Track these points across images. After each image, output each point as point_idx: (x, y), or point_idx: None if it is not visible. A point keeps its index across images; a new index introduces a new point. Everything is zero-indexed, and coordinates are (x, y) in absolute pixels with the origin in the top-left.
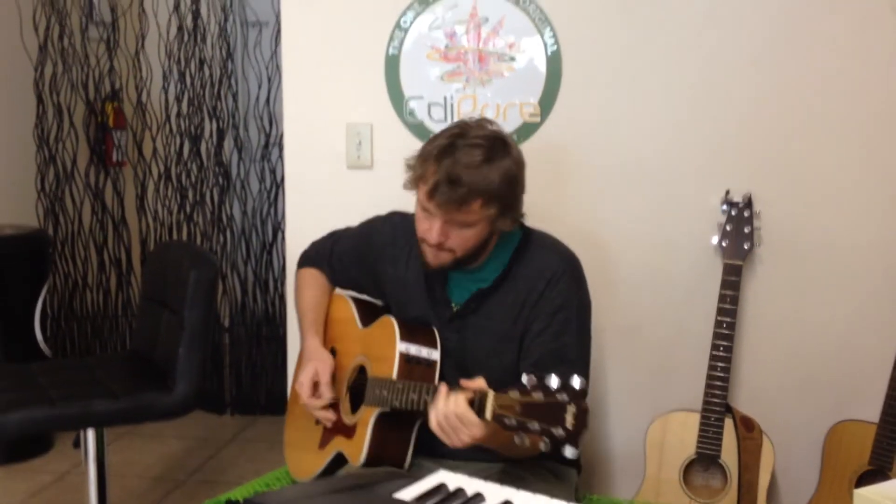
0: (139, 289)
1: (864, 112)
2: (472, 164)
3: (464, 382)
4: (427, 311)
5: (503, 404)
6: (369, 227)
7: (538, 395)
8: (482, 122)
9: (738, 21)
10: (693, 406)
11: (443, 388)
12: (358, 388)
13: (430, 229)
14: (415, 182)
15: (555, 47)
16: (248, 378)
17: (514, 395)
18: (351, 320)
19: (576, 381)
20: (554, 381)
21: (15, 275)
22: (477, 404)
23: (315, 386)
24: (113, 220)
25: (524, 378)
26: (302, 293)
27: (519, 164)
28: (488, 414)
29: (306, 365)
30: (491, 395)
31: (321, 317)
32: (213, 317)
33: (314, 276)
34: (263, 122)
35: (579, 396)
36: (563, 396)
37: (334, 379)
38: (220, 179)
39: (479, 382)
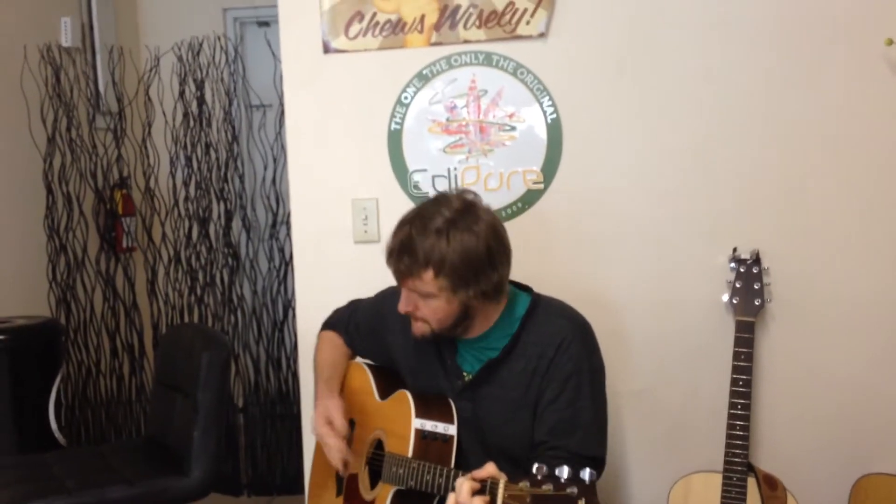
0: (152, 373)
1: (868, 164)
2: (426, 234)
3: (471, 475)
4: (440, 380)
5: (514, 494)
6: (380, 298)
7: (548, 487)
8: (461, 194)
9: (736, 78)
10: (714, 467)
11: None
12: (376, 462)
13: (400, 299)
14: None
15: (554, 115)
16: (263, 458)
17: (524, 486)
18: (369, 391)
19: (586, 474)
20: (565, 472)
21: (28, 365)
22: (488, 493)
23: (330, 424)
24: (124, 306)
25: (534, 467)
26: (319, 353)
27: (486, 239)
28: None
29: (318, 409)
30: (502, 484)
31: (337, 375)
32: (226, 398)
33: (332, 338)
34: (270, 202)
35: (590, 490)
36: (573, 490)
37: (353, 452)
38: (230, 260)
39: (490, 469)
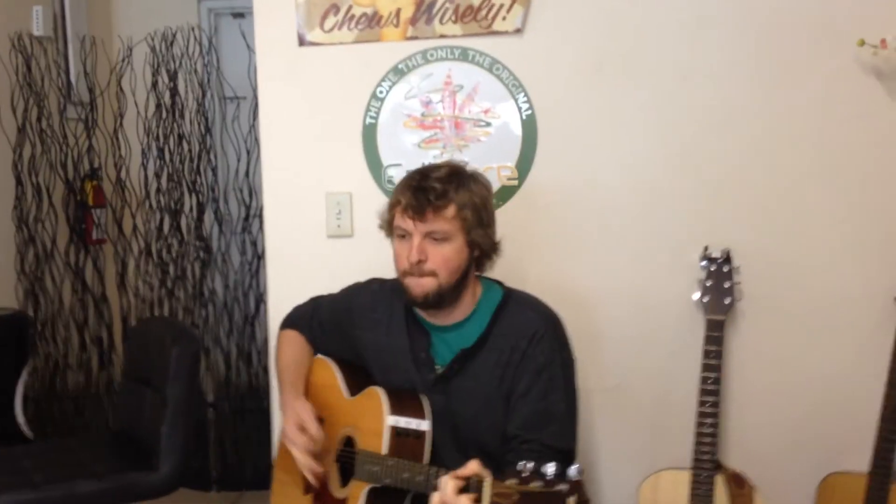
0: (121, 367)
1: (839, 164)
2: (441, 177)
3: (455, 473)
4: (412, 374)
5: (500, 492)
6: (349, 294)
7: (536, 485)
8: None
9: (710, 78)
10: (683, 464)
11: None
12: (346, 459)
13: (409, 250)
14: (389, 215)
15: (529, 111)
16: (233, 453)
17: (511, 483)
18: (335, 387)
19: (573, 471)
20: (550, 469)
21: None
22: (473, 490)
23: (302, 431)
24: (94, 298)
25: (519, 465)
26: (281, 353)
27: (487, 189)
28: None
29: (288, 413)
30: (488, 482)
31: (301, 375)
32: (196, 393)
33: (294, 337)
34: (243, 195)
35: (579, 486)
36: (563, 487)
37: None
38: (201, 253)
39: (474, 467)
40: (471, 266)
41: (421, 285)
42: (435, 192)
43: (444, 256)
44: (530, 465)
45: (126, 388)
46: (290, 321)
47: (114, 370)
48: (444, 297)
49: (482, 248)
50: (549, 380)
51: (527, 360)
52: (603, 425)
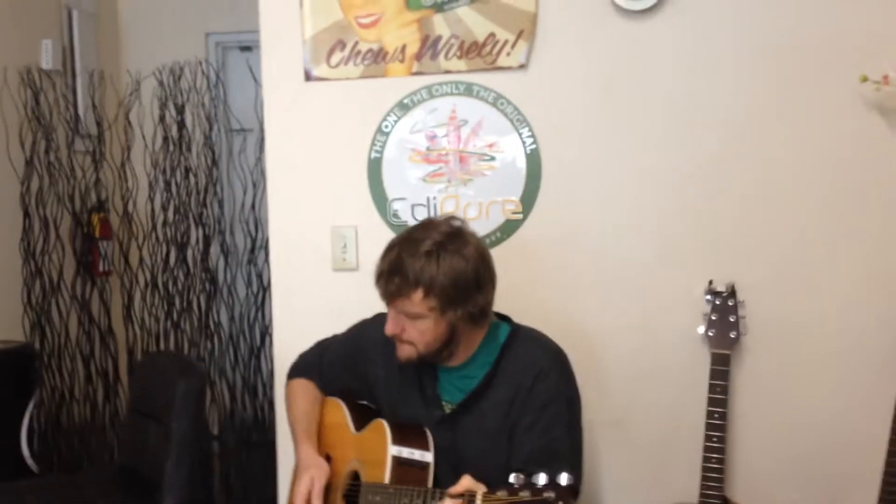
0: (126, 399)
1: (845, 198)
2: (416, 255)
3: (449, 491)
4: (419, 410)
5: (491, 502)
6: (357, 331)
7: (525, 494)
8: (448, 219)
9: (714, 112)
10: (689, 499)
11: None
12: (352, 494)
13: (387, 321)
14: None
15: (533, 146)
16: (238, 486)
17: (502, 494)
18: (344, 425)
19: (563, 479)
20: (541, 479)
21: (1, 391)
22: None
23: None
24: (100, 331)
25: (512, 477)
26: (293, 404)
27: (474, 262)
28: None
29: (302, 475)
30: (479, 495)
31: (313, 426)
32: (201, 428)
33: (304, 386)
34: (249, 227)
35: (567, 493)
36: (551, 494)
37: (330, 488)
38: (207, 286)
39: (467, 482)
40: (455, 330)
41: (402, 352)
42: (395, 284)
43: (420, 332)
44: (522, 477)
45: (131, 422)
46: (299, 369)
47: (119, 403)
48: (429, 359)
49: (464, 314)
50: (553, 415)
51: (532, 396)
52: (608, 460)
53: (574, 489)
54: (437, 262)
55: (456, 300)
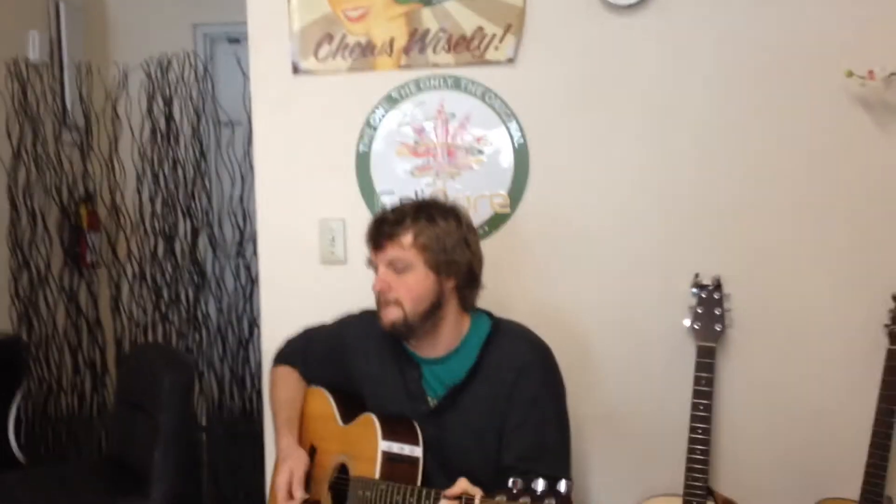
0: (114, 390)
1: (829, 192)
2: (401, 208)
3: (445, 493)
4: (404, 406)
5: None
6: (342, 324)
7: (525, 500)
8: (435, 197)
9: (699, 107)
10: (675, 490)
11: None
12: (339, 486)
13: (375, 279)
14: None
15: (521, 140)
16: (226, 477)
17: (501, 500)
18: (330, 417)
19: (562, 486)
20: (540, 485)
21: None
22: None
23: (289, 496)
24: (87, 322)
25: (510, 482)
26: (276, 391)
27: (466, 228)
28: None
29: (281, 466)
30: (478, 500)
31: (295, 414)
32: (189, 420)
33: (288, 374)
34: (237, 219)
35: (566, 501)
36: (551, 501)
37: (311, 477)
38: (195, 277)
39: (463, 484)
40: (442, 296)
41: (387, 315)
42: (388, 221)
43: (407, 285)
44: (520, 481)
45: (119, 413)
46: (283, 356)
47: (107, 394)
48: (414, 327)
49: (451, 274)
50: (541, 411)
51: (517, 392)
52: (594, 452)
53: (569, 497)
54: (431, 214)
55: (444, 248)
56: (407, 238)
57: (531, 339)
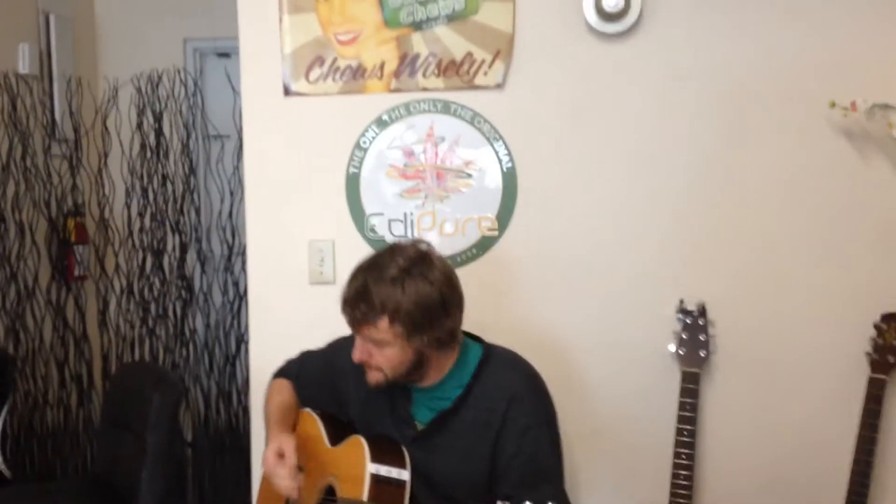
0: (100, 405)
1: (813, 220)
2: (381, 282)
3: None
4: (392, 430)
5: None
6: (333, 348)
7: None
8: (415, 243)
9: (687, 134)
10: None
11: None
12: None
13: (354, 348)
14: None
15: (510, 164)
16: (211, 492)
17: None
18: (319, 438)
19: None
20: None
21: None
22: None
23: (280, 458)
24: (74, 336)
25: (498, 503)
26: (270, 399)
27: (440, 286)
28: None
29: (269, 445)
30: None
31: (288, 418)
32: (176, 440)
33: (283, 385)
34: (226, 235)
35: None
36: None
37: (298, 498)
38: (183, 293)
39: None
40: (423, 355)
41: (370, 377)
42: (360, 311)
43: (387, 357)
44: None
45: (105, 432)
46: (280, 372)
47: (93, 408)
48: (399, 382)
49: (431, 339)
50: (535, 440)
51: (510, 421)
52: (580, 472)
53: None
54: (403, 287)
55: (422, 326)
56: (382, 323)
57: (521, 367)
